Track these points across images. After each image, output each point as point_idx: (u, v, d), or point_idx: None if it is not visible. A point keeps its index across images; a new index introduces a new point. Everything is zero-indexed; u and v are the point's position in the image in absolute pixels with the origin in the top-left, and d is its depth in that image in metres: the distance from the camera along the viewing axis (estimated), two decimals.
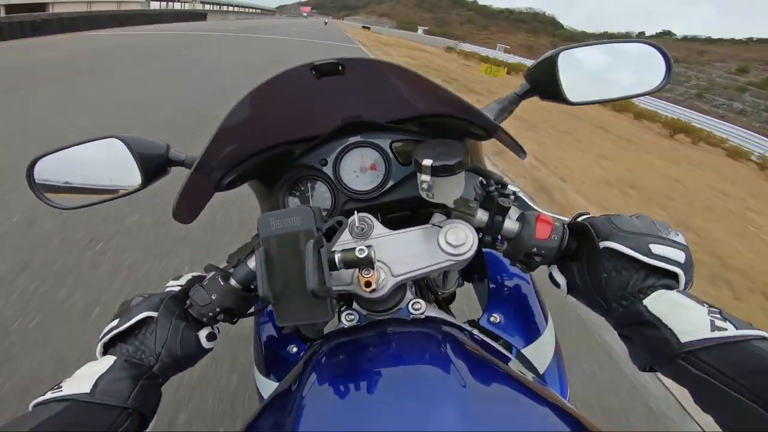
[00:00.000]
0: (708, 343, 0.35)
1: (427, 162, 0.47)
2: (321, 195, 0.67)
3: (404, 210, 0.68)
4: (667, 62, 0.64)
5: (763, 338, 0.34)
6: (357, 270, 0.48)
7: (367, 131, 0.65)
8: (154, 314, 0.50)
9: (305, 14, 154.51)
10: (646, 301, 0.40)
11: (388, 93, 0.56)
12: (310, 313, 0.43)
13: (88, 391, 0.41)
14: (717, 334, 0.35)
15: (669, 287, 0.41)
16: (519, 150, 0.53)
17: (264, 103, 0.50)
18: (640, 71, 0.66)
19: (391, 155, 0.65)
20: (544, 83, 0.62)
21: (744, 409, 0.32)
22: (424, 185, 0.48)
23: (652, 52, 0.64)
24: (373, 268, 0.47)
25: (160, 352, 0.48)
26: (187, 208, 0.53)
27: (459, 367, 0.41)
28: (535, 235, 0.48)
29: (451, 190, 0.51)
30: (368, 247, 0.46)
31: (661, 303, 0.39)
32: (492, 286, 0.70)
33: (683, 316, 0.37)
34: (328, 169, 0.66)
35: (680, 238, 0.44)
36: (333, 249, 0.46)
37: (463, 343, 0.47)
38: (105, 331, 0.49)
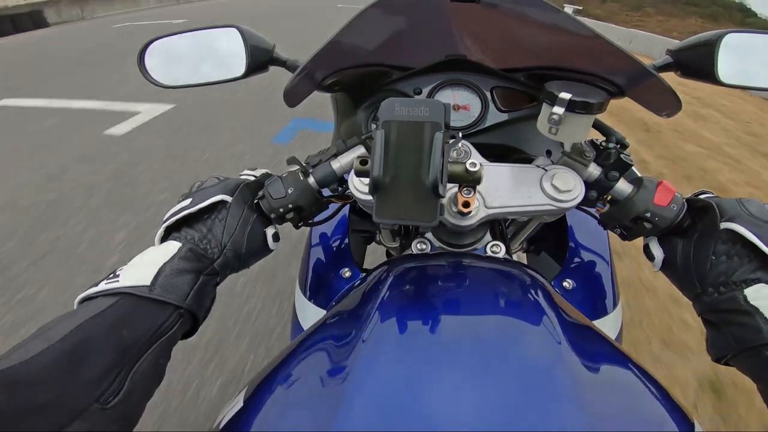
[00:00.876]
0: None
1: (566, 95, 0.43)
2: None
3: (488, 156, 0.64)
4: None
5: None
6: (455, 192, 0.44)
7: (470, 70, 0.62)
8: (229, 199, 0.47)
9: None
10: (747, 291, 0.38)
11: (512, 35, 0.52)
12: (416, 212, 0.38)
13: (148, 283, 0.37)
14: None
15: None
16: (671, 102, 0.46)
17: (383, 18, 0.48)
18: None
19: (489, 99, 0.62)
20: (694, 61, 0.55)
21: None
22: (555, 117, 0.43)
23: None
24: (475, 190, 0.43)
25: (226, 244, 0.45)
26: (294, 94, 0.54)
27: (547, 314, 0.37)
28: (653, 200, 0.44)
29: (577, 131, 0.46)
30: (480, 164, 0.41)
31: (762, 296, 0.38)
32: (568, 256, 0.66)
33: None
34: None
35: None
36: None
37: (549, 292, 0.42)
38: (172, 211, 0.46)
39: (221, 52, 0.63)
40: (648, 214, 0.45)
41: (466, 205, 0.43)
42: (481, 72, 0.62)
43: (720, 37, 0.54)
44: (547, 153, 0.60)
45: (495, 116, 0.62)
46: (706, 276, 0.41)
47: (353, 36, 0.48)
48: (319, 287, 0.64)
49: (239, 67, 0.61)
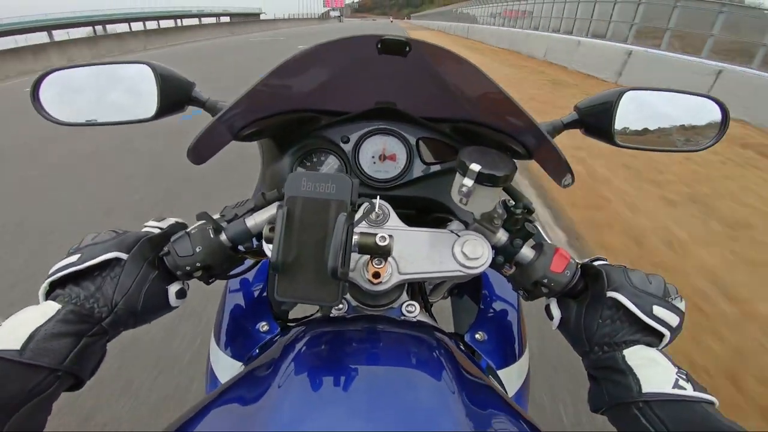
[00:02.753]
0: (665, 397, 0.37)
1: (475, 167, 0.44)
2: (332, 171, 0.64)
3: (410, 209, 0.65)
4: (724, 120, 0.61)
5: (711, 402, 0.37)
6: (366, 257, 0.44)
7: (398, 120, 0.63)
8: (124, 256, 0.43)
9: (335, 14, 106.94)
10: (626, 352, 0.42)
11: (437, 87, 0.54)
12: (318, 292, 0.38)
13: (18, 348, 0.34)
14: (676, 391, 0.37)
15: (650, 345, 0.43)
16: (566, 174, 0.49)
17: (314, 64, 0.47)
18: (693, 124, 0.64)
19: (415, 150, 0.63)
20: (595, 119, 0.59)
21: None
22: (464, 189, 0.44)
23: (712, 107, 0.62)
24: (386, 260, 0.43)
25: (117, 303, 0.42)
26: (203, 149, 0.50)
27: (449, 376, 0.40)
28: (549, 267, 0.47)
29: (485, 201, 0.47)
30: (390, 236, 0.42)
31: (637, 356, 0.42)
32: (482, 306, 0.70)
33: (653, 370, 0.40)
34: (347, 148, 0.63)
35: (682, 305, 0.45)
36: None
37: (453, 353, 0.45)
38: (58, 266, 0.42)
39: (130, 90, 0.58)
40: (545, 280, 0.47)
41: (377, 275, 0.43)
42: (409, 122, 0.62)
43: (619, 96, 0.58)
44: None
45: (419, 168, 0.63)
46: (593, 336, 0.45)
47: (279, 82, 0.47)
48: (236, 339, 0.61)
49: (150, 106, 0.57)
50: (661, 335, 0.43)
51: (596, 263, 0.49)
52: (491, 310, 0.69)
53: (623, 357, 0.42)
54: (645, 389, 0.38)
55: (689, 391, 0.37)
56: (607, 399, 0.41)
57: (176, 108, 0.58)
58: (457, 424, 0.34)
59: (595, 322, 0.45)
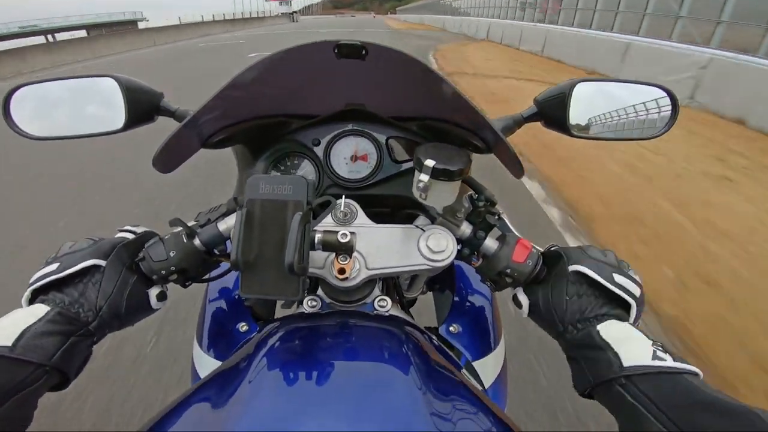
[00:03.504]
0: (646, 370, 0.37)
1: (430, 162, 0.46)
2: (306, 174, 0.65)
3: (385, 207, 0.67)
4: (674, 109, 0.64)
5: (695, 374, 0.37)
6: (333, 255, 0.46)
7: (367, 121, 0.64)
8: (102, 263, 0.45)
9: (285, 10, 78.32)
10: (599, 327, 0.42)
11: (399, 88, 0.55)
12: (279, 288, 0.40)
13: (9, 344, 0.37)
14: (656, 363, 0.37)
15: (620, 319, 0.44)
16: (518, 168, 0.51)
17: (276, 71, 0.49)
18: (647, 114, 0.66)
19: (385, 150, 0.65)
20: (552, 111, 0.61)
21: None
22: (420, 185, 0.46)
23: (662, 95, 0.65)
24: (350, 256, 0.45)
25: (101, 307, 0.44)
26: (169, 158, 0.51)
27: (417, 369, 0.41)
28: (512, 257, 0.49)
29: (444, 196, 0.49)
30: (351, 233, 0.44)
31: (612, 330, 0.42)
32: (456, 298, 0.71)
33: (629, 344, 0.40)
34: (319, 150, 0.64)
35: (637, 278, 0.47)
36: (314, 228, 0.44)
37: (422, 346, 0.47)
38: (39, 275, 0.44)
39: (97, 103, 0.59)
40: (508, 270, 0.49)
41: (342, 271, 0.45)
42: (379, 122, 0.64)
43: (571, 87, 0.60)
44: None
45: (390, 167, 0.65)
46: (564, 315, 0.45)
47: (243, 89, 0.48)
48: (217, 340, 0.63)
49: (118, 118, 0.58)
50: (628, 305, 0.45)
51: (554, 248, 0.52)
52: (466, 303, 0.70)
53: (598, 332, 0.42)
54: (625, 363, 0.38)
55: (669, 362, 0.37)
56: (591, 378, 0.41)
57: (145, 119, 0.59)
58: (420, 418, 0.35)
59: (562, 300, 0.46)
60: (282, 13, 67.32)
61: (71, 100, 0.61)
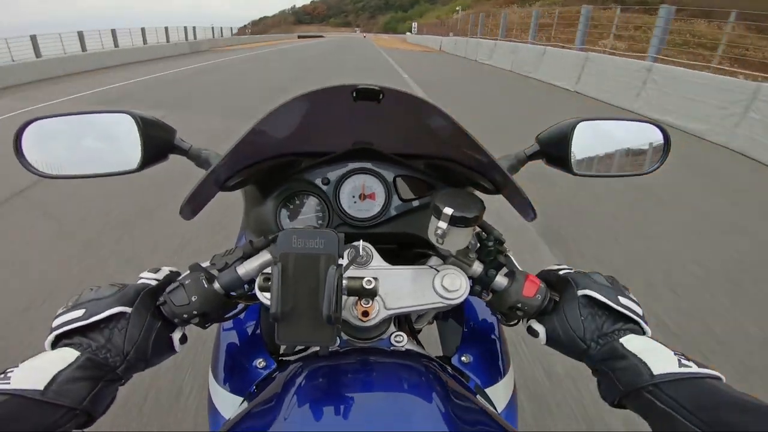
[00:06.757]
0: (676, 377, 0.40)
1: (448, 211, 0.48)
2: (315, 212, 0.67)
3: (393, 243, 0.69)
4: (666, 145, 0.68)
5: (719, 378, 0.40)
6: (356, 297, 0.48)
7: (375, 160, 0.66)
8: (128, 310, 0.46)
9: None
10: (622, 340, 0.46)
11: (409, 128, 0.57)
12: (315, 335, 0.42)
13: (41, 388, 0.38)
14: (684, 369, 0.40)
15: (636, 332, 0.47)
16: (528, 210, 0.54)
17: (295, 114, 0.50)
18: (642, 149, 0.70)
19: (393, 188, 0.66)
20: (555, 150, 0.64)
21: None
22: (439, 231, 0.49)
23: (656, 133, 0.68)
24: (373, 300, 0.48)
25: (129, 352, 0.45)
26: (195, 205, 0.53)
27: (439, 398, 0.44)
28: (522, 292, 0.52)
29: (459, 240, 0.52)
30: (375, 279, 0.46)
31: (634, 342, 0.45)
32: (465, 329, 0.74)
33: (655, 354, 0.43)
34: (328, 189, 0.66)
35: (636, 300, 0.51)
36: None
37: (441, 377, 0.50)
38: (63, 320, 0.45)
39: (113, 140, 0.59)
40: (519, 304, 0.52)
41: (365, 314, 0.48)
42: (386, 161, 0.66)
43: (573, 127, 0.62)
44: None
45: (398, 206, 0.67)
46: (584, 334, 0.49)
47: (262, 132, 0.50)
48: (233, 374, 0.64)
49: (134, 157, 0.58)
50: (637, 323, 0.48)
51: (561, 272, 0.55)
52: (475, 332, 0.73)
53: (622, 345, 0.45)
54: (655, 371, 0.41)
55: (694, 368, 0.40)
56: (621, 387, 0.43)
57: (160, 157, 0.60)
58: None
59: (579, 321, 0.49)
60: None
61: (85, 136, 0.60)
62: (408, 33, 51.25)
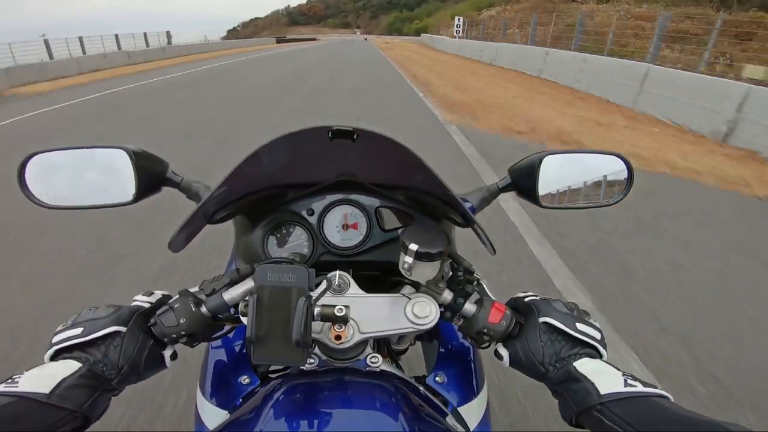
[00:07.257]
0: (622, 395, 0.43)
1: (413, 247, 0.53)
2: (300, 241, 0.71)
3: (375, 270, 0.73)
4: (629, 175, 0.72)
5: (665, 396, 0.43)
6: (331, 323, 0.53)
7: (358, 191, 0.70)
8: (123, 329, 0.51)
9: None
10: (576, 363, 0.50)
11: (386, 164, 0.62)
12: (287, 356, 0.48)
13: (47, 392, 0.42)
14: (629, 389, 0.44)
15: (591, 356, 0.51)
16: (490, 246, 0.58)
17: (277, 152, 0.55)
18: (606, 181, 0.74)
19: (374, 219, 0.71)
20: (524, 182, 0.68)
21: None
22: (405, 265, 0.54)
23: (620, 164, 0.72)
24: (345, 325, 0.53)
25: (123, 367, 0.50)
26: (183, 238, 0.57)
27: (405, 418, 0.49)
28: (488, 319, 0.56)
29: (426, 272, 0.56)
30: (346, 307, 0.51)
31: (586, 365, 0.49)
32: (441, 349, 0.77)
33: (603, 375, 0.47)
34: (313, 220, 0.70)
35: (597, 324, 0.55)
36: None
37: (410, 399, 0.54)
38: (62, 336, 0.50)
39: (108, 174, 0.63)
40: (485, 329, 0.56)
41: (338, 337, 0.53)
42: (368, 192, 0.70)
43: (540, 161, 0.67)
44: None
45: (379, 236, 0.71)
46: (543, 359, 0.52)
47: (248, 168, 0.54)
48: (219, 390, 0.68)
49: (129, 190, 0.62)
50: (594, 347, 0.52)
51: (527, 299, 0.59)
52: (451, 353, 0.76)
53: (575, 368, 0.49)
54: (602, 391, 0.44)
55: (639, 387, 0.43)
56: (575, 407, 0.47)
57: (153, 189, 0.64)
58: None
59: (539, 347, 0.53)
60: None
61: (83, 169, 0.65)
62: (425, 35, 35.59)
